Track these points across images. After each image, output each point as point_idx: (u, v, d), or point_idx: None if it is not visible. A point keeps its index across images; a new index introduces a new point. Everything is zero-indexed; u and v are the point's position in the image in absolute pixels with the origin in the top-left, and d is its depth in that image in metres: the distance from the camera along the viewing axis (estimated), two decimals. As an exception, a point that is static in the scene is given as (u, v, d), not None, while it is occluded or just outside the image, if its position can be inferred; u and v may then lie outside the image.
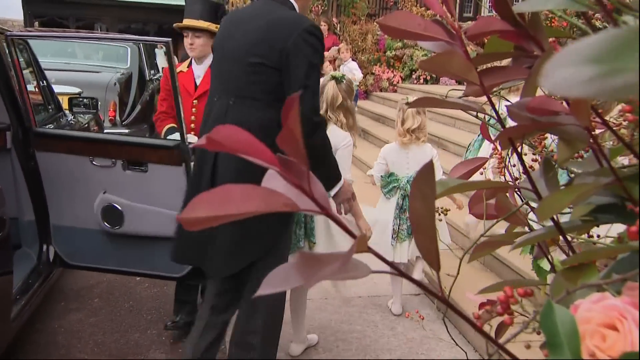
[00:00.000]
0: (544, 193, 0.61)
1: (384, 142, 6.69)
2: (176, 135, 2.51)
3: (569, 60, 0.23)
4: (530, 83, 0.56)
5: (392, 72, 9.82)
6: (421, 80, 9.47)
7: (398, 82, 9.62)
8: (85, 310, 3.02)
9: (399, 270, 0.45)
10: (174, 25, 2.76)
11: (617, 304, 0.44)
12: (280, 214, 1.91)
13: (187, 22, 2.63)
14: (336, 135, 2.43)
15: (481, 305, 0.81)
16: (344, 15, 11.56)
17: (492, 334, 0.58)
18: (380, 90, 9.41)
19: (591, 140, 0.50)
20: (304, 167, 0.38)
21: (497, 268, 3.22)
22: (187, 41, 2.64)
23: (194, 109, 2.64)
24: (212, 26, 2.58)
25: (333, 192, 2.13)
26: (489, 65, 0.62)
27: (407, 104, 2.66)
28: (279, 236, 2.05)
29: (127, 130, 5.70)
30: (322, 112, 2.48)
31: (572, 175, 0.66)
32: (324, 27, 9.20)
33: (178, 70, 2.60)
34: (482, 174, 1.51)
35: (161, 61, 12.93)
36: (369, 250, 0.40)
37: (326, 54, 8.33)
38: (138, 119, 6.16)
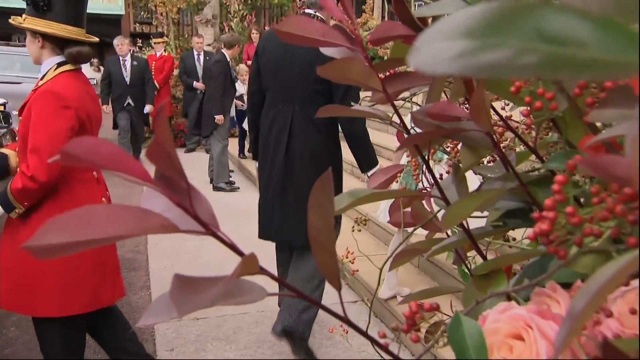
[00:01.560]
0: (455, 199, 0.60)
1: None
2: None
3: (439, 34, 0.20)
4: (434, 89, 0.55)
5: (325, 80, 9.89)
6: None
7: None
8: (0, 340, 2.80)
9: (295, 291, 0.41)
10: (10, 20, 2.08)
11: (523, 313, 0.43)
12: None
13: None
14: None
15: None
16: (275, 23, 11.58)
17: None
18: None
19: (494, 146, 0.48)
20: (184, 183, 0.34)
21: (432, 271, 3.27)
22: None
23: None
24: (29, 21, 1.89)
25: (369, 173, 2.58)
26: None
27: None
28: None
29: None
30: None
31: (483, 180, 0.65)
32: (255, 35, 9.14)
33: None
34: (397, 181, 1.54)
35: (86, 72, 12.42)
36: (262, 271, 0.37)
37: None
38: None
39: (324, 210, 0.40)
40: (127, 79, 7.02)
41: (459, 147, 0.83)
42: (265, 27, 11.42)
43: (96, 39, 2.07)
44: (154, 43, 8.72)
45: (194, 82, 7.74)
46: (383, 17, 10.91)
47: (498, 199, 0.51)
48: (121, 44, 7.04)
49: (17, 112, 1.96)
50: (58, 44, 1.93)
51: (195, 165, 6.88)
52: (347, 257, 0.97)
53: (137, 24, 11.03)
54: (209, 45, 9.00)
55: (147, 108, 7.25)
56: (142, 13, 10.20)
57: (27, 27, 1.88)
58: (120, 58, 7.07)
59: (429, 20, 0.57)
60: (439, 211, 0.74)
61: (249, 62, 8.13)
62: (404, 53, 0.61)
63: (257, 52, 2.65)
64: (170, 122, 8.15)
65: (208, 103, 5.88)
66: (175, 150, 0.32)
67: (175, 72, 8.72)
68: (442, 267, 3.11)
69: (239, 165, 7.11)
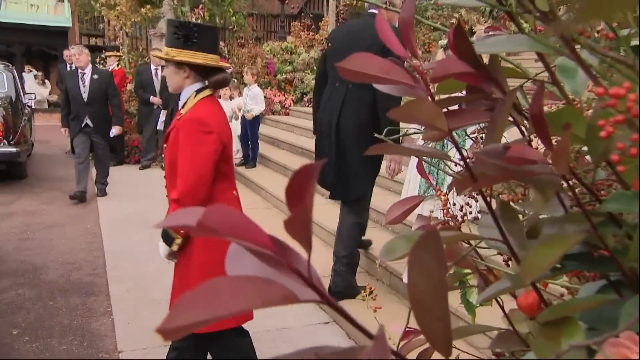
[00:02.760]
0: (507, 237, 0.57)
1: (281, 165, 6.64)
2: None
3: None
4: (496, 130, 0.52)
5: (284, 95, 9.90)
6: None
7: (290, 105, 9.70)
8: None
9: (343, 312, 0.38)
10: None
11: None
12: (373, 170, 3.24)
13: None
14: None
15: (405, 335, 0.77)
16: (230, 38, 11.49)
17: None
18: (273, 114, 9.42)
19: (571, 190, 0.47)
20: (307, 250, 0.31)
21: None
22: None
23: None
24: (176, 53, 2.01)
25: None
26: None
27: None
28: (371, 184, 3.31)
29: (15, 149, 6.50)
30: None
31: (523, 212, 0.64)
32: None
33: None
34: (432, 211, 1.55)
35: (30, 86, 11.91)
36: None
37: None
38: (23, 139, 6.90)
39: (428, 270, 0.37)
40: (85, 96, 5.81)
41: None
42: (221, 42, 11.27)
43: (229, 65, 2.22)
44: (107, 56, 8.46)
45: (151, 97, 7.48)
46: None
47: (576, 244, 0.49)
48: (79, 53, 5.82)
49: None
50: (202, 72, 2.06)
51: (150, 183, 6.68)
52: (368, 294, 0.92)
53: (88, 37, 10.64)
54: (164, 59, 8.81)
55: (114, 130, 6.10)
56: (93, 22, 9.87)
57: (178, 59, 2.01)
58: (79, 71, 5.84)
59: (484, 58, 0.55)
60: (471, 249, 0.71)
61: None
62: (454, 89, 0.59)
63: (327, 40, 3.42)
64: (123, 138, 7.81)
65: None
66: (311, 224, 0.28)
67: (129, 86, 8.48)
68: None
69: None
